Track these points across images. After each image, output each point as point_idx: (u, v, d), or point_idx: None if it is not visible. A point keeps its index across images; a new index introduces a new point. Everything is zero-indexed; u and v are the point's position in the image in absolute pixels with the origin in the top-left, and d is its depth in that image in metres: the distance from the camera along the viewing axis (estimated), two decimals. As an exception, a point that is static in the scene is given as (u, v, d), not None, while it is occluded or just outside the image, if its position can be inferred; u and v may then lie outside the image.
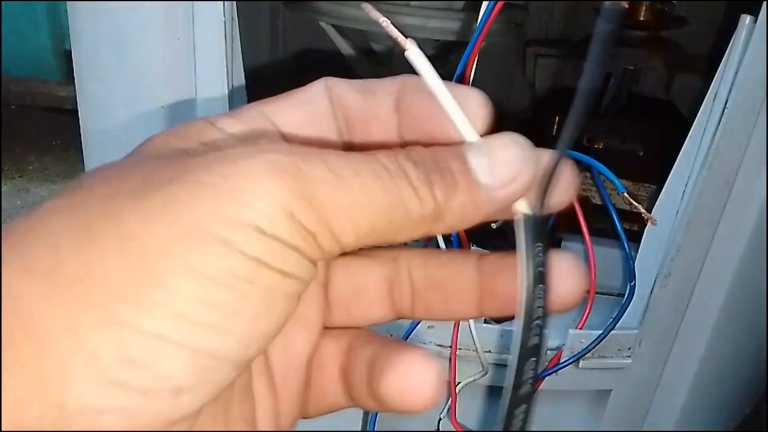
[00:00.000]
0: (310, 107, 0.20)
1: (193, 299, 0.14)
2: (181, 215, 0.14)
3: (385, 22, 0.17)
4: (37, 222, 0.14)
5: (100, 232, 0.14)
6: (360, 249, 0.18)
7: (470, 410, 0.51)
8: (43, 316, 0.13)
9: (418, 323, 0.43)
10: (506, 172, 0.17)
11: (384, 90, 0.19)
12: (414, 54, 0.17)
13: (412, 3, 0.56)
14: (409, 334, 0.44)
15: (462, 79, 0.26)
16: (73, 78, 0.51)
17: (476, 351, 0.44)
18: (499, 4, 0.23)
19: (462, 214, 0.17)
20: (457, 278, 0.20)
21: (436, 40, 0.62)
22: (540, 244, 0.17)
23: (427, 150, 0.17)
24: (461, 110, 0.17)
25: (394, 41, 0.17)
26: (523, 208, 0.18)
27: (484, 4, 0.24)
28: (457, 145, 0.17)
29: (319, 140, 0.19)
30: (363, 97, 0.19)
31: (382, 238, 0.16)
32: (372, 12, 0.17)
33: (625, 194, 0.32)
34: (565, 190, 0.18)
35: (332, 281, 0.20)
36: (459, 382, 0.46)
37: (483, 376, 0.46)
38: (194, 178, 0.15)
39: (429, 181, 0.16)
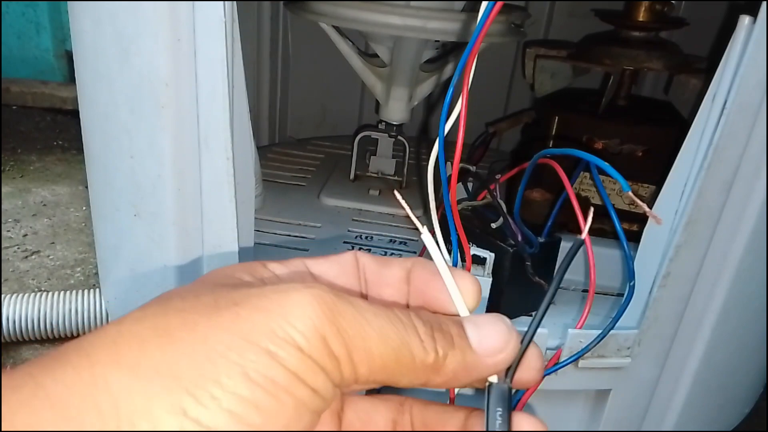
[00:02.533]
0: (340, 265, 0.24)
1: (242, 400, 0.17)
2: (241, 330, 0.18)
3: (406, 208, 0.24)
4: (127, 326, 0.18)
5: (177, 337, 0.17)
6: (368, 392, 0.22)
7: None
8: (127, 400, 0.16)
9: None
10: (493, 343, 0.21)
11: (399, 265, 0.24)
12: (427, 238, 0.23)
13: (413, 3, 0.56)
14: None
15: (461, 80, 0.26)
16: (75, 79, 0.51)
17: None
18: (498, 4, 0.24)
19: (455, 372, 0.20)
20: (448, 425, 0.24)
21: (436, 41, 0.62)
22: (500, 409, 0.21)
23: (432, 314, 0.21)
24: (458, 290, 0.22)
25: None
26: (492, 378, 0.21)
27: (483, 5, 0.24)
28: (454, 316, 0.22)
29: (345, 289, 0.24)
30: (381, 266, 0.24)
31: (388, 378, 0.20)
32: (402, 201, 0.24)
33: (630, 193, 0.32)
34: (533, 370, 0.22)
35: (345, 413, 0.24)
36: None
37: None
38: (254, 302, 0.18)
39: (433, 337, 0.20)
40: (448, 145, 0.26)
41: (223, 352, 0.17)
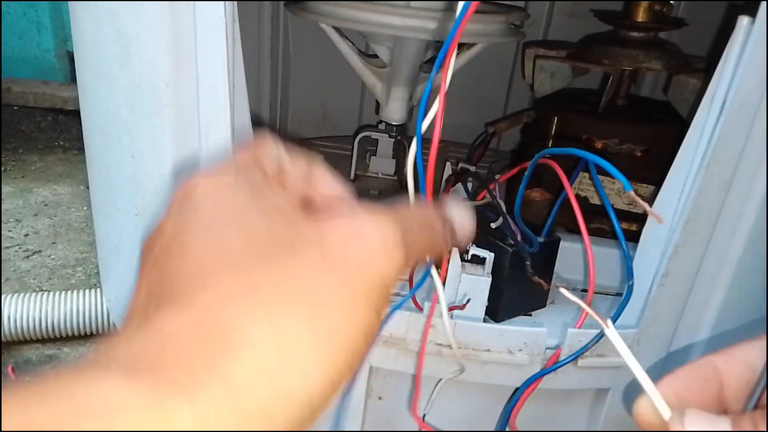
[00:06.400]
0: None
1: (351, 348, 0.19)
2: (347, 283, 0.20)
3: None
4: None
5: (295, 295, 0.19)
6: None
7: (449, 407, 0.51)
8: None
9: (419, 286, 0.44)
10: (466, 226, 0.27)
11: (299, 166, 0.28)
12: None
13: (413, 4, 0.56)
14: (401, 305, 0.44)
15: (438, 78, 0.27)
16: (76, 79, 0.52)
17: (452, 348, 0.44)
18: (474, 4, 0.24)
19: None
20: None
21: (436, 41, 0.62)
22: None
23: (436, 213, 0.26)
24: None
25: None
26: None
27: (460, 4, 0.24)
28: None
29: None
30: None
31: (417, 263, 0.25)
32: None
33: (631, 192, 0.32)
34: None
35: None
36: (440, 379, 0.46)
37: (460, 373, 0.46)
38: (350, 257, 0.20)
39: (447, 237, 0.26)
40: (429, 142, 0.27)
41: (357, 321, 0.19)
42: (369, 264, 0.20)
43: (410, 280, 0.54)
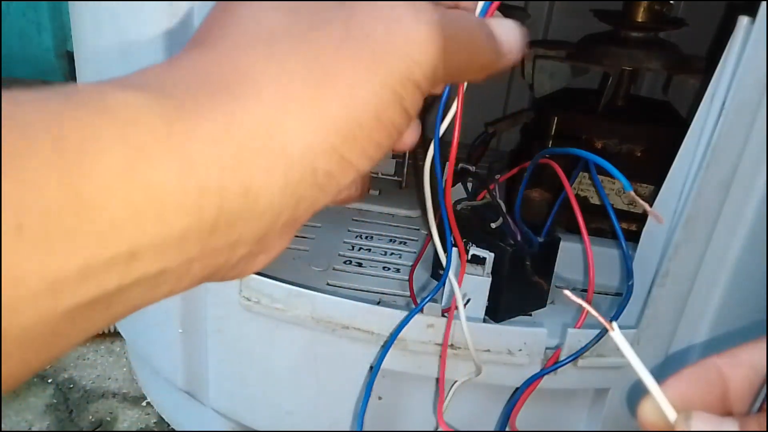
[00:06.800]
0: None
1: (376, 145, 0.19)
2: (378, 72, 0.19)
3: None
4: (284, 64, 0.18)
5: (330, 80, 0.18)
6: None
7: (466, 409, 0.51)
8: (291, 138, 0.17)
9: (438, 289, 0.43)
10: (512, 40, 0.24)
11: None
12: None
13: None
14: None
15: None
16: (75, 79, 0.52)
17: (470, 349, 0.44)
18: (495, 3, 0.24)
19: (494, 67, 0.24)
20: None
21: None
22: None
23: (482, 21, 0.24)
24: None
25: None
26: None
27: (480, 4, 0.24)
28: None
29: None
30: None
31: (460, 79, 0.24)
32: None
33: (632, 192, 0.32)
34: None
35: None
36: (456, 381, 0.47)
37: (477, 375, 0.46)
38: (382, 40, 0.19)
39: (495, 48, 0.23)
40: (444, 144, 0.26)
41: (365, 94, 0.18)
42: (396, 46, 0.19)
43: (410, 280, 0.53)
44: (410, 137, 0.23)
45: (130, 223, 0.14)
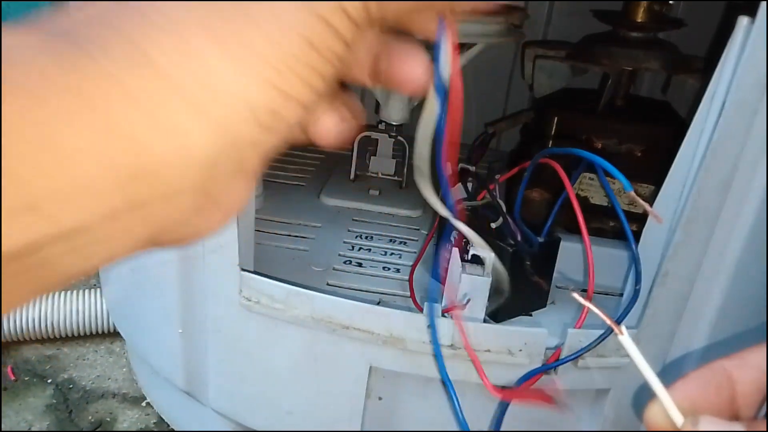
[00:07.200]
0: None
1: (309, 68, 0.17)
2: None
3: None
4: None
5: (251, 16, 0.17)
6: None
7: (466, 409, 0.51)
8: (220, 76, 0.16)
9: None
10: None
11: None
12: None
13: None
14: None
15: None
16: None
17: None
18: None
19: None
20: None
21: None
22: None
23: None
24: None
25: None
26: None
27: None
28: None
29: None
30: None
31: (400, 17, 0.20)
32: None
33: (632, 192, 0.32)
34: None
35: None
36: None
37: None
38: None
39: None
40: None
41: (292, 22, 0.17)
42: None
43: (410, 280, 0.53)
44: (415, 70, 0.21)
45: (23, 170, 0.13)
